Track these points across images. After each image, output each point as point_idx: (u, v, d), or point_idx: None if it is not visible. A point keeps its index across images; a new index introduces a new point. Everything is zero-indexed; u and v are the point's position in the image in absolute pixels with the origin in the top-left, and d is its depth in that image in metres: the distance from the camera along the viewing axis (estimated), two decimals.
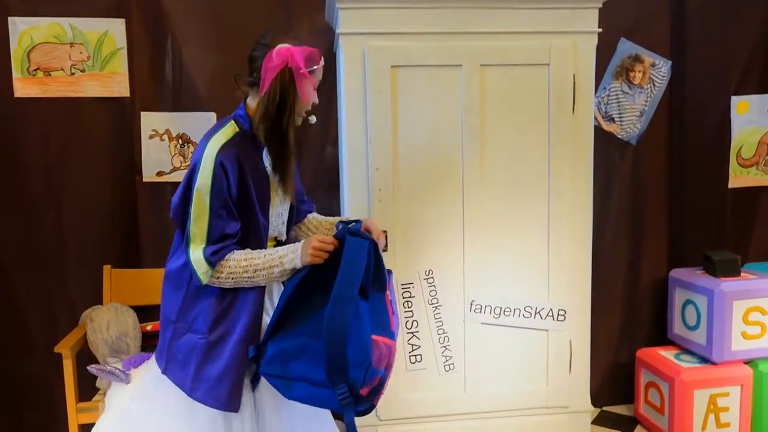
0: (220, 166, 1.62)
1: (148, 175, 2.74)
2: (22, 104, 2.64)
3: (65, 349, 2.26)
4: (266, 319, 1.76)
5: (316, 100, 1.78)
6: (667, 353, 2.89)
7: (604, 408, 3.10)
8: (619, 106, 3.01)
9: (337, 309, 1.56)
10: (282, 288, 1.81)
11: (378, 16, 2.29)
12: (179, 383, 1.69)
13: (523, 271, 2.48)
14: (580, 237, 2.50)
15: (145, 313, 2.68)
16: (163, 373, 1.72)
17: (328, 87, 2.77)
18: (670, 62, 3.00)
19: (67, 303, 2.74)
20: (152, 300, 2.71)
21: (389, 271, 1.81)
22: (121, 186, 2.74)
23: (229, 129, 1.70)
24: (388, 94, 2.31)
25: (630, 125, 3.03)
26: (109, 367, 2.07)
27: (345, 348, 1.54)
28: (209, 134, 1.71)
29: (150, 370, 1.78)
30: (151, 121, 2.72)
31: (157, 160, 2.74)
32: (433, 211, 2.41)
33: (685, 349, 2.90)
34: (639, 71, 3.01)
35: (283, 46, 1.66)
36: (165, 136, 2.74)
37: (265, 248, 1.74)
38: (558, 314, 2.50)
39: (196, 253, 1.63)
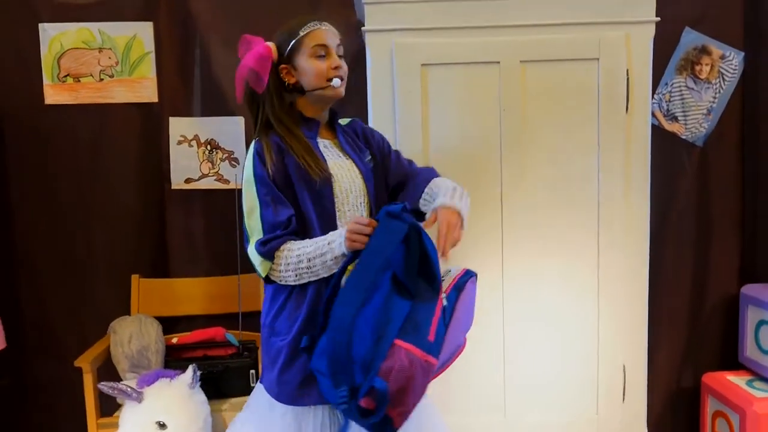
0: (256, 155, 1.60)
1: (177, 182, 2.67)
2: (52, 111, 2.62)
3: (85, 363, 2.21)
4: None
5: (337, 62, 1.68)
6: (737, 379, 2.59)
7: None
8: (683, 103, 2.72)
9: (343, 297, 1.39)
10: None
11: (407, 11, 2.12)
12: (268, 388, 1.64)
13: (569, 286, 2.25)
14: (636, 249, 2.25)
15: (172, 324, 2.62)
16: (260, 382, 1.68)
17: (361, 90, 2.62)
18: (742, 54, 2.69)
19: (95, 311, 2.69)
20: (180, 311, 2.65)
21: (470, 273, 1.59)
22: (149, 193, 2.69)
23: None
24: (418, 95, 2.14)
25: (696, 125, 2.74)
26: (120, 385, 2.00)
27: (351, 344, 1.36)
28: None
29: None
30: (179, 126, 2.65)
31: (186, 167, 2.67)
32: (469, 220, 2.20)
33: (758, 376, 2.58)
34: (706, 64, 2.71)
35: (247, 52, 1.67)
36: (194, 142, 2.66)
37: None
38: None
39: (251, 247, 1.57)
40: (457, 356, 1.62)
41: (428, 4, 2.11)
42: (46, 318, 2.70)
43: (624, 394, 2.29)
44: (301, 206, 1.61)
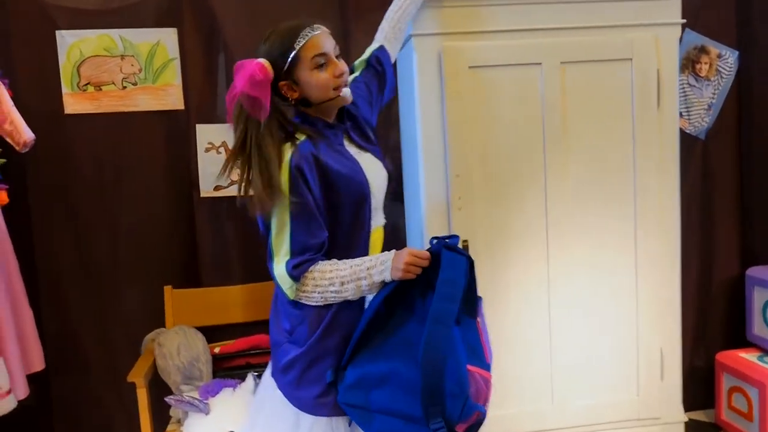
0: (296, 170, 1.47)
1: (206, 190, 2.63)
2: (73, 121, 2.53)
3: (138, 377, 2.14)
4: None
5: (339, 69, 1.55)
6: (749, 356, 2.77)
7: None
8: (686, 100, 2.90)
9: (435, 332, 1.39)
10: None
11: (453, 15, 2.17)
12: (285, 392, 1.58)
13: (608, 275, 2.36)
14: (669, 238, 2.38)
15: (210, 334, 2.57)
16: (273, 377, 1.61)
17: None
18: (737, 53, 2.89)
19: (124, 324, 2.63)
20: (216, 320, 2.61)
21: (479, 297, 1.66)
22: (178, 202, 2.64)
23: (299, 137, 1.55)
24: (466, 96, 2.19)
25: (698, 119, 2.91)
26: (187, 397, 1.96)
27: (443, 376, 1.38)
28: None
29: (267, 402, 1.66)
30: (206, 133, 2.61)
31: (215, 174, 2.62)
32: (515, 215, 2.29)
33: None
34: (705, 63, 2.89)
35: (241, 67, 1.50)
36: (221, 149, 2.63)
37: (366, 245, 1.61)
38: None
39: (279, 268, 1.50)
40: None
41: (474, 8, 2.17)
42: (71, 334, 2.61)
43: (662, 375, 2.41)
44: (339, 220, 1.55)
